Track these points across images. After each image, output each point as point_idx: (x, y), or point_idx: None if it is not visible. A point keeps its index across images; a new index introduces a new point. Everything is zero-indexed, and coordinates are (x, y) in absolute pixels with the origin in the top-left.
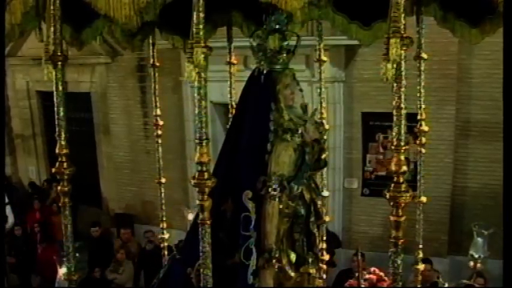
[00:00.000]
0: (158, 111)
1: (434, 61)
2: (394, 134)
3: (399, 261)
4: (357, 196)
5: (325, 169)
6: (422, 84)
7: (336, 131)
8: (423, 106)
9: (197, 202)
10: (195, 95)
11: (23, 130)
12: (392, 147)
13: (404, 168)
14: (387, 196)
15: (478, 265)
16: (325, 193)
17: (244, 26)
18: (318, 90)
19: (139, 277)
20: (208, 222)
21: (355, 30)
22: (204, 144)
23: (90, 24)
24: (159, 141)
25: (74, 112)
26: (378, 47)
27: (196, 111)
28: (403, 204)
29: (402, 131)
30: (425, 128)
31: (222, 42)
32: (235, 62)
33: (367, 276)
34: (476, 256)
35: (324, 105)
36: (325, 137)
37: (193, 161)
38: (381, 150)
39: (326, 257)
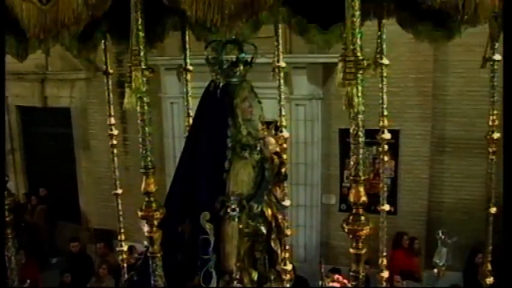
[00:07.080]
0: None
1: (410, 78)
2: (352, 163)
3: None
4: (334, 212)
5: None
6: (385, 90)
7: (314, 147)
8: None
9: (146, 234)
10: (138, 121)
11: None
12: (351, 178)
13: (364, 199)
14: (345, 229)
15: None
16: (287, 202)
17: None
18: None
19: None
20: (158, 255)
21: (313, 33)
22: (150, 173)
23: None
24: (115, 151)
25: (54, 127)
26: None
27: (140, 140)
28: (363, 237)
29: (360, 161)
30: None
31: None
32: None
33: (331, 284)
34: (441, 264)
35: (283, 112)
36: (285, 145)
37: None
38: None
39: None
